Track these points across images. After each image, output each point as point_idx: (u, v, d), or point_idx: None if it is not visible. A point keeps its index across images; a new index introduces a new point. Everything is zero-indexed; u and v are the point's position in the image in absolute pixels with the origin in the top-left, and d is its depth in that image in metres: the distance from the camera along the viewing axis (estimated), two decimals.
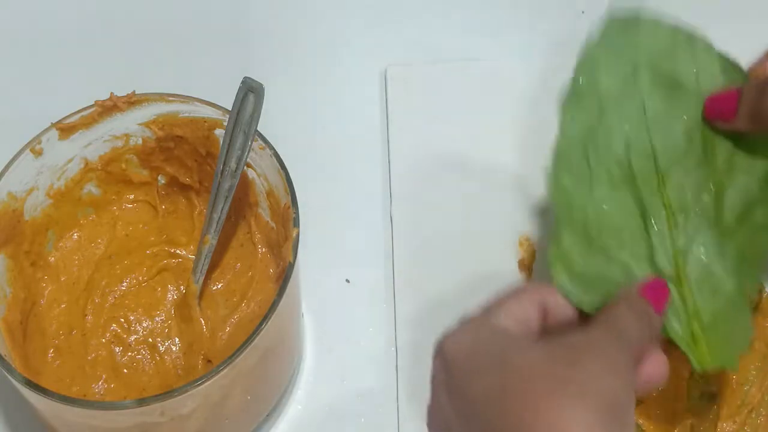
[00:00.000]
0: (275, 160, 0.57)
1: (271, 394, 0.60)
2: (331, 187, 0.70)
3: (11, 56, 0.77)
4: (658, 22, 0.59)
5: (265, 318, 0.52)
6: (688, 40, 0.59)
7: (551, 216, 0.67)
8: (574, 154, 0.57)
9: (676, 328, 0.53)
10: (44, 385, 0.50)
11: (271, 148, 0.57)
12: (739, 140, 0.57)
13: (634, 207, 0.56)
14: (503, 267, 0.66)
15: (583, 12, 0.78)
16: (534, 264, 0.66)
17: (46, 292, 0.61)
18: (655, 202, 0.56)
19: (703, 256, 0.55)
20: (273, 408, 0.60)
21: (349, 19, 0.79)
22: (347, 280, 0.67)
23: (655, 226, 0.55)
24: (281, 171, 0.56)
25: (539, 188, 0.69)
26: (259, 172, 0.59)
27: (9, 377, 0.50)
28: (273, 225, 0.60)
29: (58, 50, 0.77)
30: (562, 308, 0.50)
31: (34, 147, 0.57)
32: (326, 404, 0.62)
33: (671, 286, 0.53)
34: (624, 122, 0.57)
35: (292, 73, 0.76)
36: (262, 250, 0.62)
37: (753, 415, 0.59)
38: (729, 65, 0.59)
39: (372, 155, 0.72)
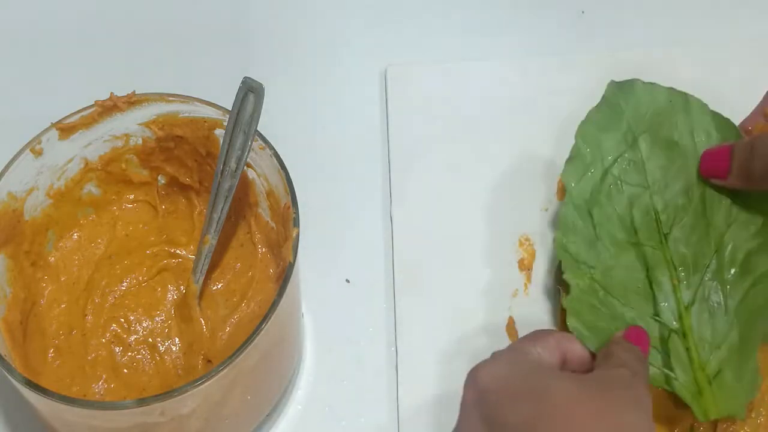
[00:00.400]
0: (275, 160, 0.57)
1: (271, 394, 0.60)
2: (331, 187, 0.70)
3: (11, 56, 0.77)
4: (654, 84, 0.63)
5: (265, 318, 0.52)
6: (682, 100, 0.62)
7: (554, 218, 0.67)
8: (579, 218, 0.60)
9: (681, 381, 0.56)
10: (44, 385, 0.50)
11: (271, 148, 0.57)
12: (736, 195, 0.60)
13: (638, 265, 0.59)
14: (503, 267, 0.66)
15: (583, 12, 0.78)
16: (534, 264, 0.66)
17: (46, 292, 0.61)
18: (659, 259, 0.58)
19: (707, 310, 0.58)
20: (273, 408, 0.60)
21: (349, 19, 0.79)
22: (347, 280, 0.67)
23: (659, 283, 0.58)
24: (281, 171, 0.56)
25: (539, 188, 0.69)
26: (259, 172, 0.59)
27: (9, 377, 0.50)
28: (273, 225, 0.60)
29: (58, 50, 0.77)
30: (578, 357, 0.54)
31: (34, 147, 0.57)
32: (326, 404, 0.62)
33: (677, 340, 0.57)
34: (626, 183, 0.60)
35: (292, 73, 0.76)
36: (262, 250, 0.62)
37: (753, 415, 0.59)
38: (722, 122, 0.62)
39: (372, 155, 0.72)
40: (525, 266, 0.66)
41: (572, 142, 0.68)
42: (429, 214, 0.68)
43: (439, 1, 0.79)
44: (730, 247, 0.59)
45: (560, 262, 0.61)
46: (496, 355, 0.52)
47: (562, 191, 0.69)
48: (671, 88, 0.63)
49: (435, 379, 0.62)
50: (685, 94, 0.63)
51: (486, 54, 0.76)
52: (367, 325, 0.65)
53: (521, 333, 0.63)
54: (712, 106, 0.71)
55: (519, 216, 0.68)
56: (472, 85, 0.74)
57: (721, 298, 0.58)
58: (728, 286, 0.58)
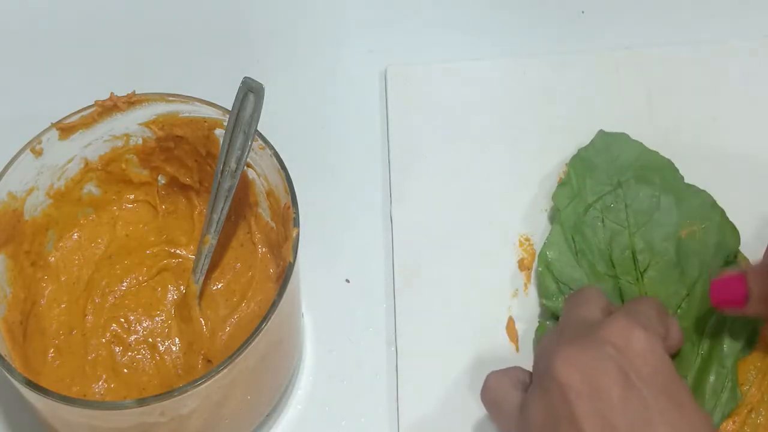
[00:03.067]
0: (275, 160, 0.57)
1: (271, 394, 0.60)
2: (331, 187, 0.70)
3: (11, 56, 0.77)
4: (642, 144, 0.67)
5: (265, 318, 0.52)
6: (669, 164, 0.66)
7: (554, 218, 0.67)
8: (565, 240, 0.64)
9: None
10: (44, 385, 0.50)
11: (271, 148, 0.57)
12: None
13: (615, 296, 0.62)
14: (503, 267, 0.66)
15: (583, 12, 0.78)
16: (534, 264, 0.66)
17: (46, 292, 0.61)
18: (635, 293, 0.62)
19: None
20: (273, 408, 0.60)
21: (349, 19, 0.79)
22: (347, 280, 0.67)
23: None
24: (281, 171, 0.56)
25: (539, 188, 0.69)
26: (259, 172, 0.59)
27: (9, 377, 0.50)
28: (273, 225, 0.60)
29: (58, 50, 0.77)
30: None
31: (34, 147, 0.57)
32: (326, 404, 0.62)
33: None
34: (607, 219, 0.64)
35: (292, 73, 0.76)
36: (262, 250, 0.62)
37: (753, 415, 0.59)
38: (703, 198, 0.64)
39: (372, 155, 0.72)
40: (525, 266, 0.66)
41: (572, 142, 0.69)
42: (429, 214, 0.68)
43: (439, 1, 0.79)
44: (700, 293, 0.62)
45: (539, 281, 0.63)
46: (574, 344, 0.50)
47: None
48: (657, 153, 0.67)
49: (435, 379, 0.62)
50: (671, 162, 0.66)
51: (486, 54, 0.76)
52: (367, 325, 0.65)
53: (521, 333, 0.63)
54: (712, 106, 0.72)
55: (519, 216, 0.68)
56: (472, 85, 0.74)
57: (692, 334, 0.60)
58: (698, 324, 0.61)
